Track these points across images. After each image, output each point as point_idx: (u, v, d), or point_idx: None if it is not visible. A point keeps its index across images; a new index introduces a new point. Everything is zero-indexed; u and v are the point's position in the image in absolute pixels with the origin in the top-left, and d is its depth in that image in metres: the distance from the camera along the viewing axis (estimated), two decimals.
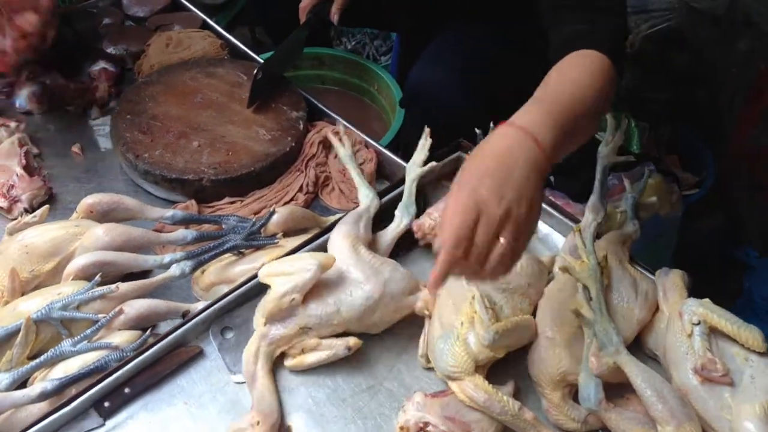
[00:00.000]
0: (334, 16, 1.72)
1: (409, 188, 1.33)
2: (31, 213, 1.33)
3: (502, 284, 1.12)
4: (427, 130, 1.37)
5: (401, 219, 1.29)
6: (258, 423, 1.00)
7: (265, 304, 1.09)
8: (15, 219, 1.36)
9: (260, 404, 1.03)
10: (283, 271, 1.10)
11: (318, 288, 1.10)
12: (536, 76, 1.10)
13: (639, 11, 2.29)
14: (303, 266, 1.08)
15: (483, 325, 1.03)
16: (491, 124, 1.34)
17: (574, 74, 1.08)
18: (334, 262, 1.12)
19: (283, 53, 1.72)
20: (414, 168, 1.35)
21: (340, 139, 1.36)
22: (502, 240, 0.89)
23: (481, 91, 1.62)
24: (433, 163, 1.35)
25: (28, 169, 1.48)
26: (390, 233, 1.29)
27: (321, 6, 1.70)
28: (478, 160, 0.94)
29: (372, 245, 1.24)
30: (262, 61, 1.76)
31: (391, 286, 1.13)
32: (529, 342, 1.10)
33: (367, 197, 1.31)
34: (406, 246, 1.29)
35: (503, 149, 0.94)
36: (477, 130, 1.37)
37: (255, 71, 1.60)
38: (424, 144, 1.37)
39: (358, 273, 1.13)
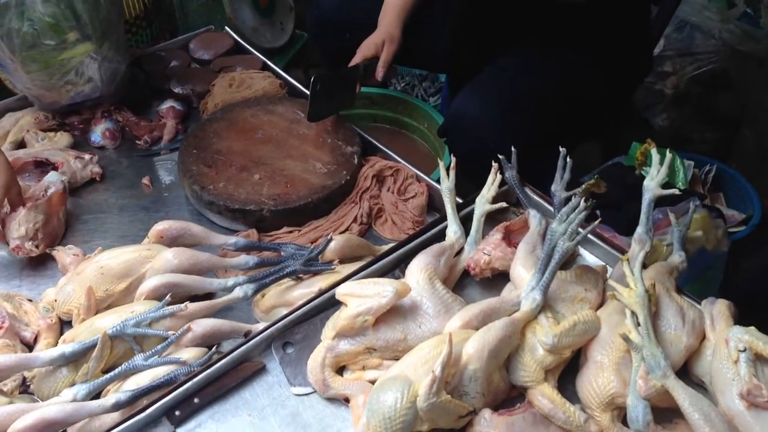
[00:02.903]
0: (379, 73, 1.78)
1: (477, 222, 1.35)
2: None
3: (560, 293, 1.17)
4: (495, 165, 1.39)
5: (468, 252, 1.32)
6: None
7: (338, 320, 1.13)
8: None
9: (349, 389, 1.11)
10: (361, 292, 1.13)
11: (390, 313, 1.13)
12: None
13: (684, 54, 2.33)
14: (380, 291, 1.11)
15: (543, 331, 1.10)
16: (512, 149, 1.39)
17: None
18: (409, 292, 1.15)
19: (338, 78, 1.77)
20: (483, 203, 1.37)
21: (447, 173, 1.41)
22: None
23: (516, 126, 1.61)
24: (503, 204, 1.38)
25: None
26: (458, 265, 1.31)
27: (371, 60, 1.77)
28: None
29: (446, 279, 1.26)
30: None
31: None
32: (594, 335, 1.13)
33: (455, 234, 1.33)
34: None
35: None
36: (500, 156, 1.40)
37: (312, 81, 1.64)
38: (494, 179, 1.39)
39: (430, 306, 1.15)
